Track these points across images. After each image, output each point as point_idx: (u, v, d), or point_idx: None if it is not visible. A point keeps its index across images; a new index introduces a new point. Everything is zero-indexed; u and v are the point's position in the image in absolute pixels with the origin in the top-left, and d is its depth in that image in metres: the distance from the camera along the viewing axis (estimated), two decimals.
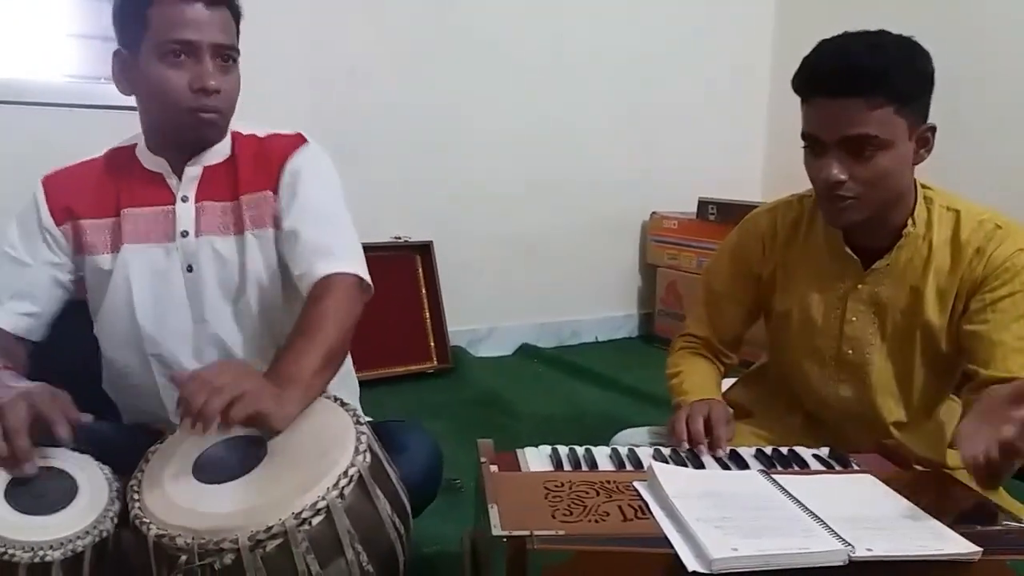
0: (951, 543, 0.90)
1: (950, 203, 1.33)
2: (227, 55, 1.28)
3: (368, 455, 1.06)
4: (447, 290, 2.89)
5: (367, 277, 1.31)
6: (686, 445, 1.26)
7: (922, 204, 1.32)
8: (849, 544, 0.87)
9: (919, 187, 1.33)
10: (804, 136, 1.28)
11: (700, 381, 1.46)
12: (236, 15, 1.32)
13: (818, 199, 1.32)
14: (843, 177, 1.22)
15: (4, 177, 2.21)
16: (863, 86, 1.18)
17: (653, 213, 3.39)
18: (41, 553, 0.96)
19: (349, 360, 1.50)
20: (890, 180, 1.25)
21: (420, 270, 2.88)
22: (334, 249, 1.30)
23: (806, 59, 1.27)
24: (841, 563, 0.86)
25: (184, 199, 1.34)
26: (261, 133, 1.40)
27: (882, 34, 1.23)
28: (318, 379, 1.16)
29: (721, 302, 1.54)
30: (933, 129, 1.27)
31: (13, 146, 2.26)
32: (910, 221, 1.32)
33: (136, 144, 1.37)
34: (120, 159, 1.37)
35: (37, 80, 2.41)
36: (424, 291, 2.88)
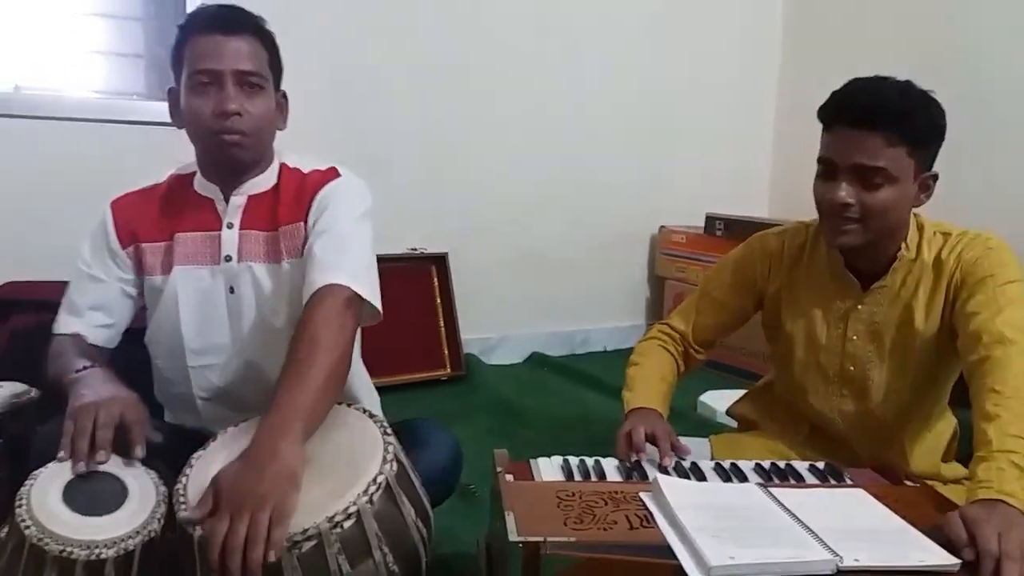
0: (933, 555, 0.97)
1: (940, 228, 1.42)
2: (252, 82, 1.35)
3: (395, 464, 1.14)
4: (460, 299, 2.95)
5: (370, 296, 1.31)
6: (634, 457, 1.33)
7: (914, 230, 1.41)
8: (838, 555, 0.94)
9: (912, 216, 1.42)
10: (820, 160, 1.37)
11: (651, 384, 1.54)
12: (266, 41, 1.39)
13: (821, 219, 1.41)
14: (850, 200, 1.32)
15: (36, 191, 2.33)
16: (885, 123, 1.28)
17: (662, 227, 3.45)
18: (97, 551, 1.03)
19: (366, 374, 1.59)
20: (890, 213, 1.34)
21: (435, 280, 2.94)
22: (334, 263, 1.32)
23: (837, 91, 1.36)
24: (830, 572, 0.93)
25: (230, 226, 1.42)
26: (305, 168, 1.46)
27: (910, 83, 1.34)
28: (317, 410, 1.17)
29: (713, 307, 1.63)
30: (935, 177, 1.37)
31: (44, 160, 2.34)
32: (904, 246, 1.41)
33: (195, 172, 1.46)
34: (178, 185, 1.46)
35: (67, 96, 2.47)
36: (439, 301, 2.94)
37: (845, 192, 1.32)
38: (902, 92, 1.32)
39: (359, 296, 1.30)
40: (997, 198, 2.72)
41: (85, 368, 1.28)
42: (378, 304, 1.34)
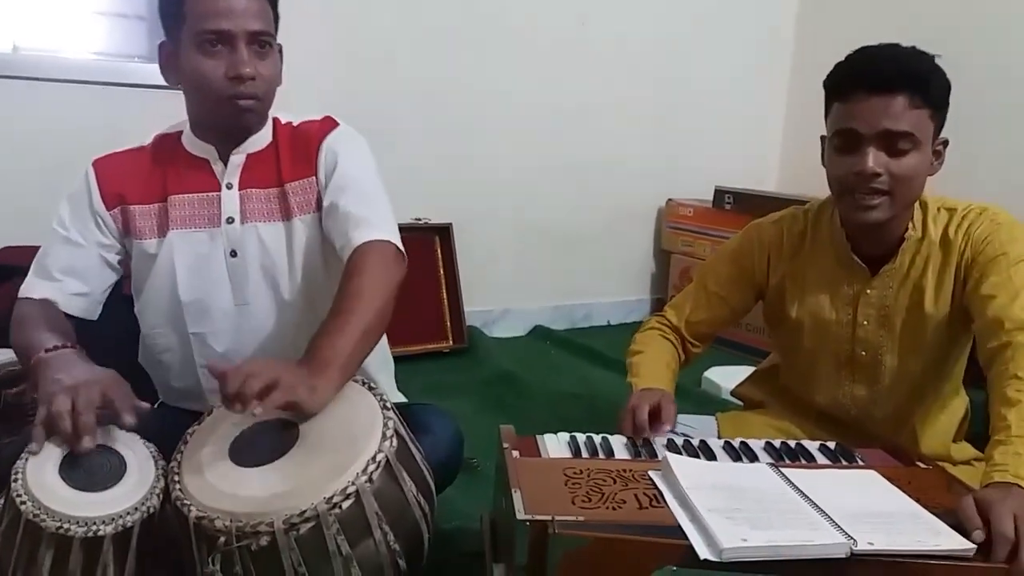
0: (947, 539, 0.95)
1: (943, 203, 1.39)
2: (263, 41, 1.30)
3: (395, 439, 1.11)
4: (464, 271, 2.93)
5: (402, 247, 1.34)
6: (637, 437, 1.30)
7: (918, 208, 1.38)
8: (851, 538, 0.93)
9: None
10: (837, 133, 1.32)
11: (655, 368, 1.51)
12: (272, 1, 1.34)
13: (842, 195, 1.35)
14: (879, 169, 1.27)
15: (34, 153, 2.29)
16: (908, 85, 1.25)
17: (669, 200, 3.41)
18: (95, 528, 1.01)
19: (384, 337, 1.53)
20: (916, 181, 1.30)
21: (439, 251, 2.91)
22: (371, 219, 1.32)
23: (848, 58, 1.32)
24: (843, 555, 0.91)
25: (229, 186, 1.37)
26: (295, 121, 1.43)
27: (917, 48, 1.30)
28: (354, 359, 1.19)
29: (711, 301, 1.59)
30: (946, 143, 1.33)
31: (42, 123, 2.30)
32: (911, 225, 1.37)
33: (182, 131, 1.41)
34: (166, 145, 1.41)
35: (66, 57, 2.43)
36: (442, 272, 2.92)
37: (874, 160, 1.26)
38: (917, 55, 1.29)
39: (399, 250, 1.32)
40: (1017, 177, 2.69)
41: (56, 348, 1.21)
42: (405, 253, 1.35)
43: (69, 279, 1.34)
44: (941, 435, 1.49)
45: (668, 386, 1.47)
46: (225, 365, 1.11)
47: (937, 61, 1.29)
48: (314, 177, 1.38)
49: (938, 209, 1.38)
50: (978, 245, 1.32)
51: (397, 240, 1.33)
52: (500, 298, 3.16)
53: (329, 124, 1.42)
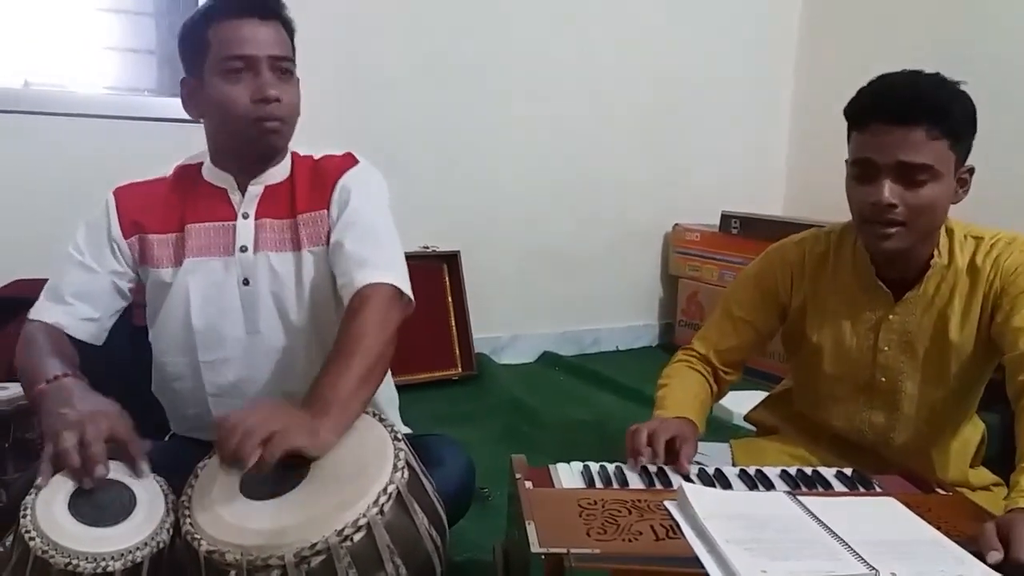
0: (971, 568, 0.93)
1: (970, 231, 1.37)
2: (284, 68, 1.33)
3: (406, 471, 1.10)
4: (472, 298, 2.92)
5: (407, 289, 1.33)
6: (643, 461, 1.27)
7: (944, 235, 1.36)
8: (874, 568, 0.91)
9: None
10: (855, 162, 1.31)
11: (682, 398, 1.48)
12: (289, 28, 1.37)
13: (861, 224, 1.34)
14: (894, 201, 1.26)
15: (44, 187, 2.30)
16: (926, 117, 1.23)
17: (676, 225, 3.41)
18: (104, 564, 0.99)
19: (388, 374, 1.52)
20: (935, 212, 1.29)
21: (447, 279, 2.91)
22: (374, 260, 1.32)
23: (868, 88, 1.30)
24: None
25: (245, 216, 1.39)
26: (316, 155, 1.45)
27: (941, 75, 1.28)
28: (356, 399, 1.18)
29: (737, 326, 1.56)
30: (972, 171, 1.32)
31: (52, 157, 2.32)
32: (936, 252, 1.35)
33: (203, 162, 1.42)
34: (187, 175, 1.43)
35: (76, 92, 2.45)
36: (451, 299, 2.91)
37: (889, 192, 1.25)
38: (938, 84, 1.27)
39: (401, 291, 1.32)
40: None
41: (57, 378, 1.20)
42: (411, 295, 1.34)
43: (80, 304, 1.35)
44: (958, 461, 1.47)
45: (696, 415, 1.44)
46: (224, 417, 1.09)
47: (963, 87, 1.28)
48: (326, 211, 1.39)
49: (965, 236, 1.36)
50: (1008, 275, 1.30)
51: (401, 282, 1.32)
52: (508, 324, 3.16)
53: (349, 161, 1.44)
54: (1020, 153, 2.70)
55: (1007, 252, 1.32)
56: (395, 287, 1.31)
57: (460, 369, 2.88)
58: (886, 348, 1.42)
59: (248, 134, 1.32)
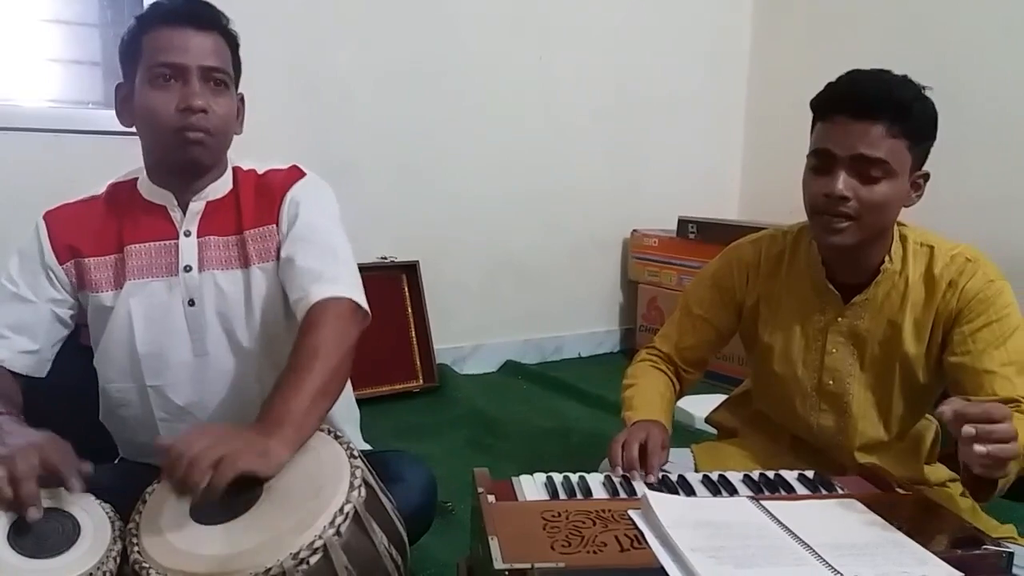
0: (934, 569, 0.94)
1: (924, 239, 1.38)
2: (218, 79, 1.29)
3: (363, 489, 1.07)
4: (432, 308, 2.90)
5: (363, 302, 1.30)
6: (620, 471, 1.28)
7: (897, 241, 1.37)
8: (838, 572, 0.91)
9: (896, 226, 1.38)
10: (814, 153, 1.31)
11: (650, 398, 1.49)
12: (231, 41, 1.33)
13: (812, 216, 1.34)
14: (847, 193, 1.26)
15: None
16: (888, 113, 1.24)
17: (634, 231, 3.43)
18: None
19: (349, 386, 1.49)
20: (886, 210, 1.29)
21: (406, 290, 2.88)
22: (328, 274, 1.29)
23: (836, 81, 1.31)
24: None
25: (187, 233, 1.34)
26: (260, 169, 1.41)
27: (908, 77, 1.29)
28: (310, 417, 1.14)
29: (696, 324, 1.57)
30: (927, 177, 1.33)
31: None
32: (887, 258, 1.36)
33: (137, 178, 1.37)
34: (121, 193, 1.38)
35: (19, 105, 2.37)
36: (410, 310, 2.88)
37: (844, 184, 1.26)
38: (903, 84, 1.28)
39: (357, 305, 1.29)
40: (970, 203, 2.72)
41: None
42: (367, 308, 1.31)
43: (18, 336, 1.30)
44: (912, 460, 1.48)
45: (663, 416, 1.45)
46: (169, 441, 1.05)
47: (927, 93, 1.29)
48: (275, 226, 1.35)
49: (920, 244, 1.37)
50: (968, 300, 1.31)
51: (356, 295, 1.29)
52: (470, 334, 3.13)
53: (295, 174, 1.40)
54: (970, 159, 2.77)
55: (969, 272, 1.32)
56: (351, 300, 1.28)
57: (422, 381, 2.85)
58: (834, 351, 1.42)
59: (171, 144, 1.28)
